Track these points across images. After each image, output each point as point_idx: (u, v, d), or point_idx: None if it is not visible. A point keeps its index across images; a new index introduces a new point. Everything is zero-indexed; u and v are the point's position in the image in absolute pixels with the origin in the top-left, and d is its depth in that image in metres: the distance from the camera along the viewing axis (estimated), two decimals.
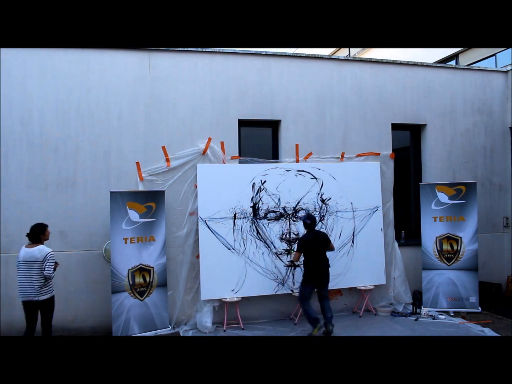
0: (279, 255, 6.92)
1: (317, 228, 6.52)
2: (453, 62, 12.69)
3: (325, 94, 7.44)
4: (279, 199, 6.96)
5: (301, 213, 7.01)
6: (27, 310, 5.30)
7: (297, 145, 7.24)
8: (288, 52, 7.43)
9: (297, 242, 6.55)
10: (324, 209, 7.13)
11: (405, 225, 8.08)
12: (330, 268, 6.27)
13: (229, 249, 6.69)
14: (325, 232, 6.67)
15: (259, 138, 7.62)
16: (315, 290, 6.29)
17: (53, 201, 6.37)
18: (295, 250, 6.54)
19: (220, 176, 6.76)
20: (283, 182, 6.99)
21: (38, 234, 5.33)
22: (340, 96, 7.52)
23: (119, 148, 6.60)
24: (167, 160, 6.72)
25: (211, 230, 6.64)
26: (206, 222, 6.62)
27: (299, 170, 7.09)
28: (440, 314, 7.10)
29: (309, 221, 6.28)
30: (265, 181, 6.92)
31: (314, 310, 6.26)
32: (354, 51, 17.72)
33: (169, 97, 6.80)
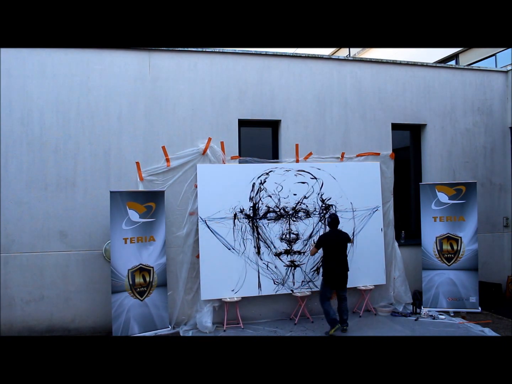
0: (279, 255, 6.92)
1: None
2: (453, 62, 12.69)
3: (325, 94, 7.44)
4: (279, 199, 6.95)
5: (301, 213, 7.01)
6: None
7: (297, 145, 7.24)
8: (288, 52, 7.43)
9: (318, 237, 6.60)
10: (324, 209, 7.12)
11: (405, 225, 8.08)
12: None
13: (229, 249, 6.69)
14: (346, 232, 6.56)
15: (259, 138, 7.62)
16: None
17: (53, 201, 6.37)
18: (313, 244, 6.61)
19: (220, 176, 6.76)
20: (283, 182, 6.98)
21: None
22: (340, 96, 7.52)
23: (119, 148, 6.60)
24: (167, 160, 6.72)
25: (211, 230, 6.64)
26: (206, 222, 6.62)
27: (299, 170, 7.09)
28: (440, 314, 7.09)
29: (330, 219, 6.37)
30: (265, 181, 6.92)
31: (334, 310, 6.32)
32: (354, 51, 17.70)
33: (169, 97, 6.79)
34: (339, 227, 6.47)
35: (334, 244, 6.24)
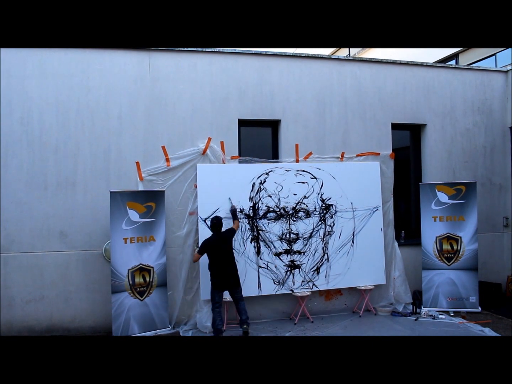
0: (279, 255, 6.92)
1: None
2: (453, 62, 12.69)
3: (325, 94, 7.43)
4: (279, 199, 6.95)
5: (301, 213, 7.01)
6: None
7: (297, 145, 7.24)
8: (288, 52, 7.42)
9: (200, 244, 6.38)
10: (324, 209, 7.12)
11: (405, 225, 8.08)
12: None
13: None
14: (231, 228, 6.37)
15: (259, 138, 7.61)
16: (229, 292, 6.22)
17: (53, 201, 6.37)
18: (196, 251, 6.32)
19: (220, 176, 6.75)
20: (283, 182, 6.98)
21: None
22: (340, 96, 7.51)
23: (119, 148, 6.60)
24: (167, 160, 6.71)
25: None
26: (206, 222, 6.61)
27: (299, 170, 7.09)
28: (440, 314, 7.09)
29: (210, 222, 6.27)
30: (265, 181, 6.92)
31: (222, 320, 6.19)
32: (354, 51, 17.71)
33: (169, 97, 6.79)
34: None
35: (218, 249, 6.07)
